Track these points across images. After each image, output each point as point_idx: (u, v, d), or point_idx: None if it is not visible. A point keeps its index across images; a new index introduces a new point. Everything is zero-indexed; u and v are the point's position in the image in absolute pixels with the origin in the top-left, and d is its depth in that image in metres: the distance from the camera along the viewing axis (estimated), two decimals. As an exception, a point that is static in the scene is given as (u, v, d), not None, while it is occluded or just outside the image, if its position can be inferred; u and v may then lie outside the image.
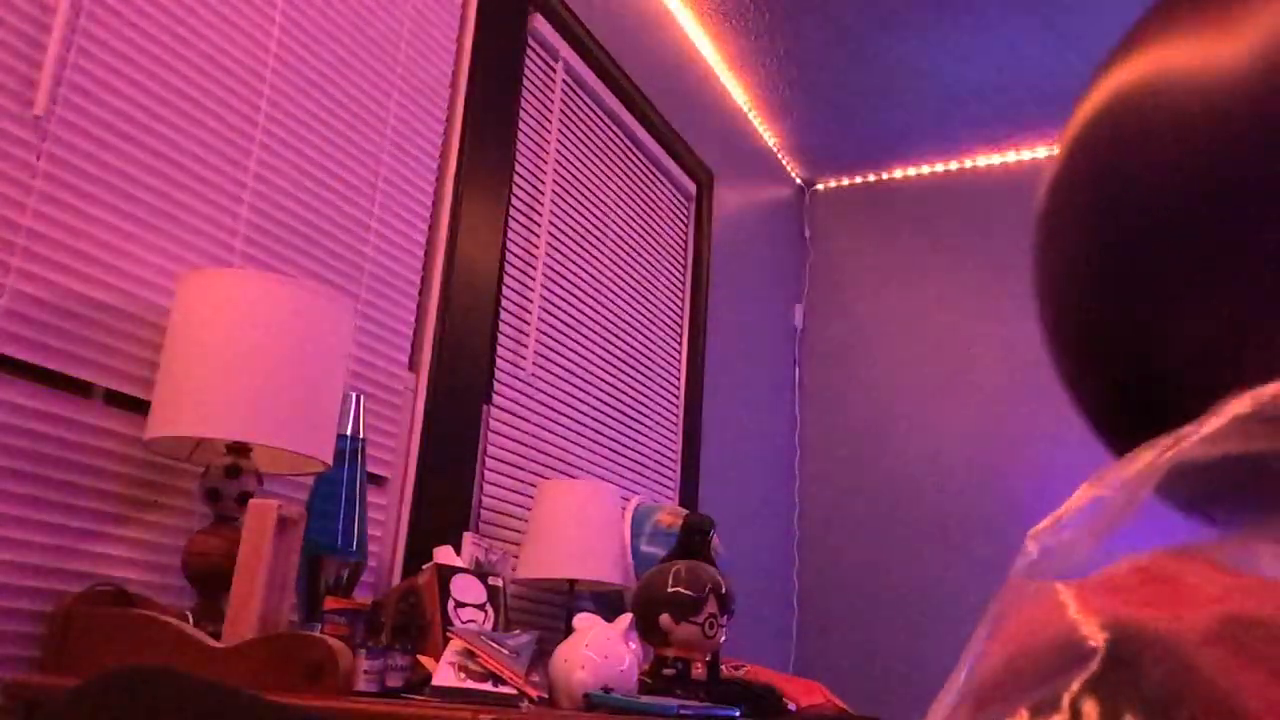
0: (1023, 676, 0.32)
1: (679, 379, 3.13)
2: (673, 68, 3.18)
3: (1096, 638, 0.31)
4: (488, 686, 1.22)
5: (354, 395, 1.59)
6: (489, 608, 1.58)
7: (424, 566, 1.60)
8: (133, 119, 1.46)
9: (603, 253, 2.74)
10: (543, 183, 2.48)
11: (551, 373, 2.45)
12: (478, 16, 2.25)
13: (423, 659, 1.36)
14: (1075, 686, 0.30)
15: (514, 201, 2.35)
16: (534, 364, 2.38)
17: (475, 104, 2.19)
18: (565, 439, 2.47)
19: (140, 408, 1.42)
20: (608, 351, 2.71)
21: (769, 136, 3.86)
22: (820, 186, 4.19)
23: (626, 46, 2.88)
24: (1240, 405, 0.37)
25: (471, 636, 1.29)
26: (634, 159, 2.96)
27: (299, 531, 1.27)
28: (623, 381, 2.78)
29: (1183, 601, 0.31)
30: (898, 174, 4.05)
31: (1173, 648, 0.29)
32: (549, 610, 2.30)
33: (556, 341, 2.48)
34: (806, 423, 3.95)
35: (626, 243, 2.87)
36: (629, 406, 2.80)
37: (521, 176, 2.39)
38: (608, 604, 2.24)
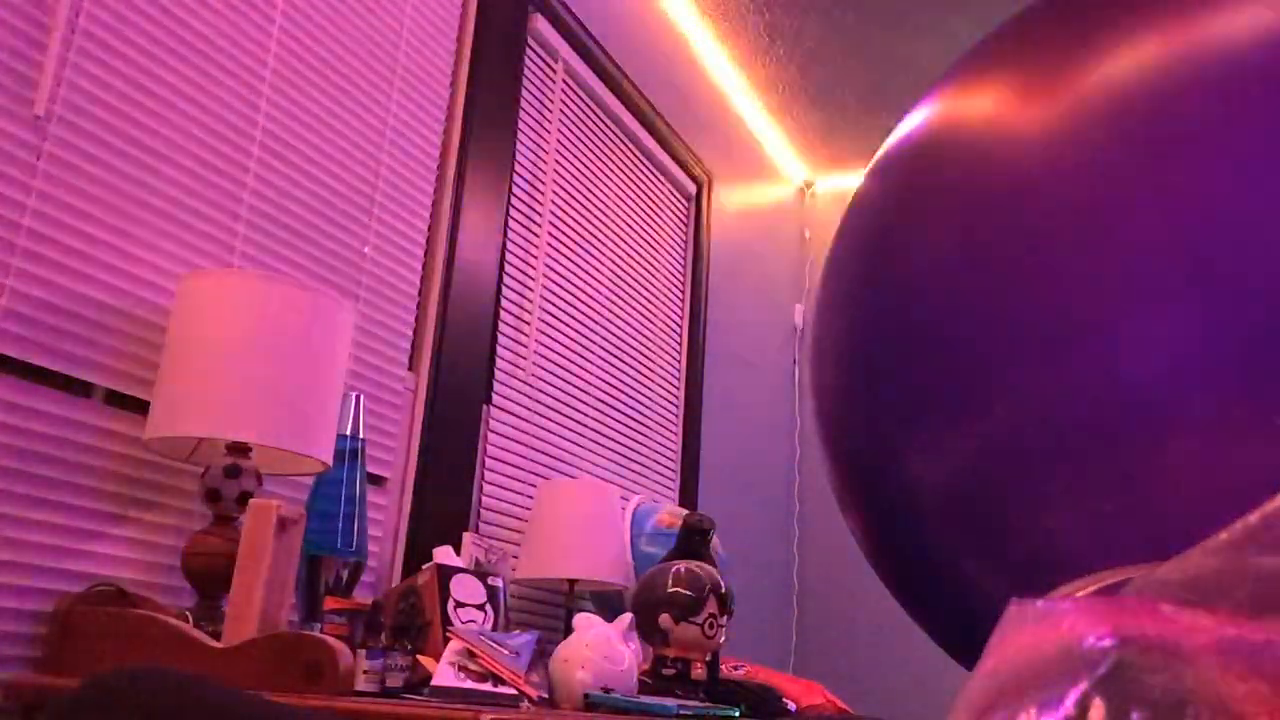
0: (1031, 682, 0.32)
1: (679, 379, 3.13)
2: (673, 68, 3.18)
3: (1104, 645, 0.31)
4: (488, 686, 1.22)
5: (354, 395, 1.59)
6: (489, 608, 1.58)
7: (424, 566, 1.60)
8: (133, 119, 1.46)
9: (603, 252, 2.74)
10: (543, 183, 2.48)
11: (551, 373, 2.44)
12: (478, 16, 2.25)
13: (423, 659, 1.36)
14: (1084, 686, 0.30)
15: (514, 201, 2.35)
16: (534, 364, 2.38)
17: (475, 104, 2.19)
18: (565, 439, 2.47)
19: (140, 408, 1.42)
20: (608, 351, 2.71)
21: (769, 136, 3.86)
22: (820, 186, 4.19)
23: (626, 47, 2.88)
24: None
25: (471, 636, 1.29)
26: (634, 159, 2.96)
27: (299, 531, 1.27)
28: (623, 381, 2.78)
29: (1185, 622, 0.32)
30: (898, 174, 4.06)
31: (1179, 655, 0.30)
32: (549, 610, 2.30)
33: (556, 341, 2.48)
34: (806, 423, 3.94)
35: (626, 242, 2.87)
36: (629, 406, 2.80)
37: (521, 176, 2.39)
38: (608, 604, 2.24)
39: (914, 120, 0.68)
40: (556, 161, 2.55)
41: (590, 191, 2.70)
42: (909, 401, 0.58)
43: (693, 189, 3.28)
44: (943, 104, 0.65)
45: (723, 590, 1.68)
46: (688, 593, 1.64)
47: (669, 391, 3.05)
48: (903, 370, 0.58)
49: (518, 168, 2.38)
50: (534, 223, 2.43)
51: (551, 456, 2.41)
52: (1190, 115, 0.51)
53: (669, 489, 2.99)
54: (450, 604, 1.53)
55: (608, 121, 2.83)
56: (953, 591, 0.60)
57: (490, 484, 2.18)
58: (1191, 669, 0.30)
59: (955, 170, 0.59)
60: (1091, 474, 0.50)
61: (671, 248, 3.15)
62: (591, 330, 2.64)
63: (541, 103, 2.51)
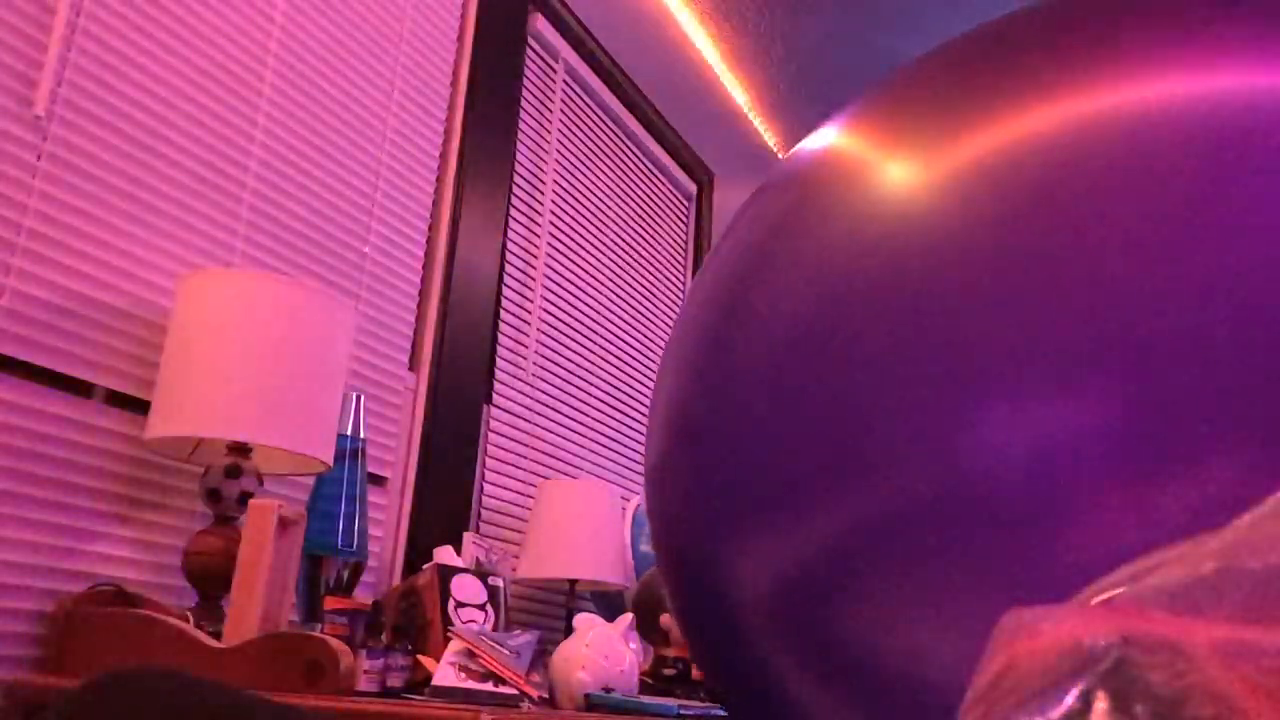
0: (1031, 683, 0.32)
1: (679, 379, 3.13)
2: (673, 68, 3.18)
3: (1106, 643, 0.31)
4: (488, 686, 1.22)
5: (354, 395, 1.58)
6: (489, 608, 1.58)
7: (424, 566, 1.59)
8: (133, 119, 1.46)
9: (603, 253, 2.74)
10: (543, 183, 2.48)
11: (551, 373, 2.44)
12: (478, 16, 2.25)
13: (423, 659, 1.36)
14: (1086, 682, 0.30)
15: (514, 201, 2.35)
16: (534, 364, 2.37)
17: (475, 104, 2.19)
18: (565, 439, 2.47)
19: (140, 408, 1.42)
20: (608, 351, 2.71)
21: (769, 136, 3.86)
22: (820, 186, 4.19)
23: (626, 46, 2.88)
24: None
25: (472, 636, 1.28)
26: (634, 159, 2.96)
27: (299, 531, 1.27)
28: (623, 381, 2.78)
29: (1185, 623, 0.32)
30: (898, 174, 4.05)
31: (1182, 652, 0.30)
32: (549, 610, 2.30)
33: (556, 341, 2.48)
34: (806, 423, 3.94)
35: (626, 243, 2.87)
36: (629, 406, 2.80)
37: (521, 176, 2.39)
38: (608, 604, 2.24)
39: (789, 162, 0.66)
40: (556, 161, 2.55)
41: (590, 191, 2.70)
42: (737, 486, 0.53)
43: (693, 189, 3.28)
44: (816, 152, 0.63)
45: (723, 590, 1.68)
46: (688, 593, 1.64)
47: (669, 391, 3.05)
48: (731, 450, 0.54)
49: (518, 168, 2.38)
50: (534, 223, 2.43)
51: (551, 456, 2.41)
52: (1085, 191, 0.50)
53: (669, 489, 2.99)
54: (451, 604, 1.53)
55: (608, 121, 2.83)
56: (778, 710, 0.55)
57: (490, 484, 2.18)
58: (1194, 665, 0.30)
59: (817, 222, 0.56)
60: (937, 574, 0.47)
61: (671, 248, 3.15)
62: (591, 330, 2.64)
63: (541, 103, 2.51)
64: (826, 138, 0.63)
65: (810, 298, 0.54)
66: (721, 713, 1.52)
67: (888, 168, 0.56)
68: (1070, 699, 0.31)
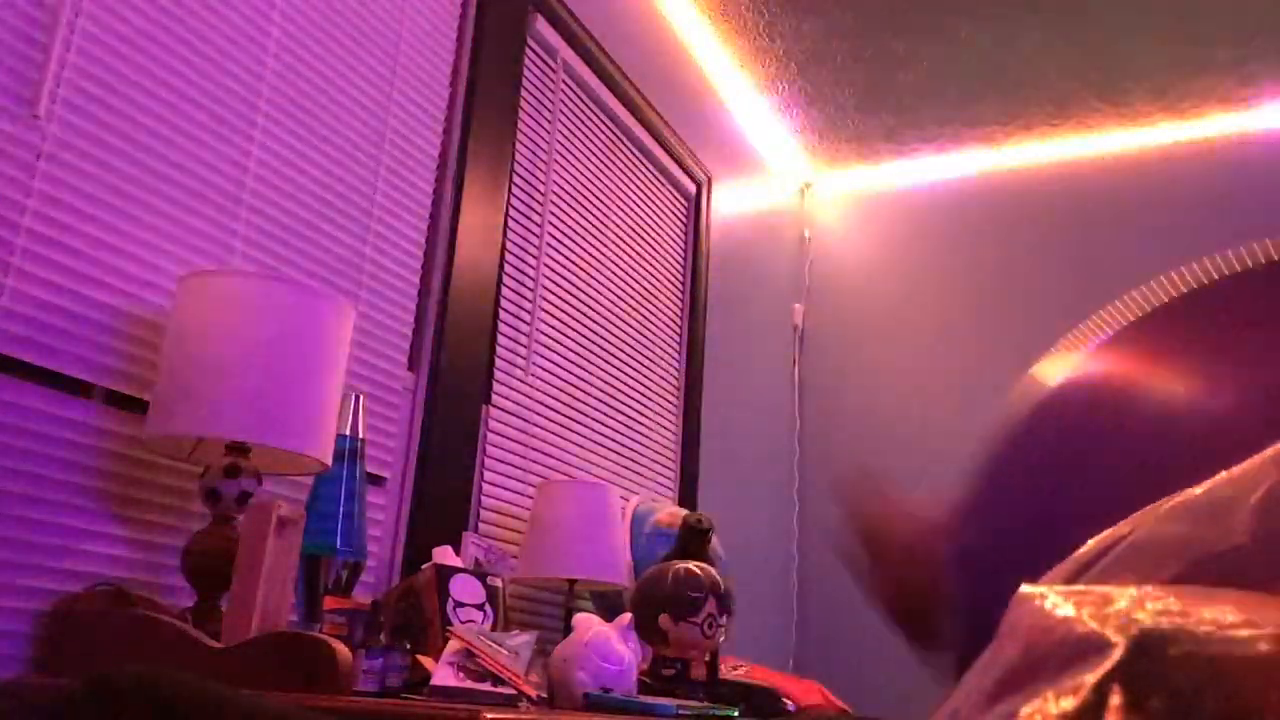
0: (1039, 668, 0.32)
1: (679, 379, 3.13)
2: (673, 68, 3.18)
3: (1115, 633, 0.31)
4: (487, 686, 1.23)
5: (354, 395, 1.59)
6: (488, 608, 1.58)
7: (423, 566, 1.60)
8: (133, 119, 1.46)
9: (603, 253, 2.74)
10: (543, 183, 2.48)
11: (551, 373, 2.45)
12: (478, 16, 2.25)
13: (422, 659, 1.36)
14: (1099, 673, 0.30)
15: (514, 201, 2.35)
16: (534, 364, 2.38)
17: (475, 104, 2.19)
18: (565, 439, 2.47)
19: (140, 408, 1.42)
20: (608, 352, 2.71)
21: (769, 136, 3.85)
22: (820, 186, 4.19)
23: (626, 47, 2.88)
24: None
25: (471, 636, 1.29)
26: (634, 159, 2.96)
27: (298, 531, 1.27)
28: (623, 382, 2.78)
29: (1198, 608, 0.32)
30: (897, 173, 4.05)
31: (1197, 641, 0.29)
32: (548, 610, 2.31)
33: (556, 341, 2.48)
34: (806, 423, 3.95)
35: (626, 243, 2.87)
36: (629, 407, 2.80)
37: (521, 176, 2.39)
38: (607, 604, 2.24)
39: (1091, 367, 0.87)
40: (556, 161, 2.55)
41: (590, 191, 2.70)
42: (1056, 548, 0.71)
43: (693, 189, 3.28)
44: (1118, 360, 0.83)
45: (722, 590, 1.68)
46: (687, 593, 1.64)
47: (669, 391, 3.05)
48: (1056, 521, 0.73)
49: (518, 168, 2.38)
50: (534, 223, 2.43)
51: (551, 456, 2.41)
52: None
53: (669, 489, 2.99)
54: (450, 604, 1.53)
55: (608, 121, 2.83)
56: None
57: (490, 484, 2.18)
58: (1208, 655, 0.30)
59: (1128, 406, 0.77)
60: None
61: (671, 248, 3.15)
62: (591, 330, 2.64)
63: (541, 103, 2.51)
64: (1123, 355, 0.84)
65: (1129, 462, 0.73)
66: (721, 713, 1.52)
67: (1179, 377, 0.76)
68: (1085, 692, 0.30)
